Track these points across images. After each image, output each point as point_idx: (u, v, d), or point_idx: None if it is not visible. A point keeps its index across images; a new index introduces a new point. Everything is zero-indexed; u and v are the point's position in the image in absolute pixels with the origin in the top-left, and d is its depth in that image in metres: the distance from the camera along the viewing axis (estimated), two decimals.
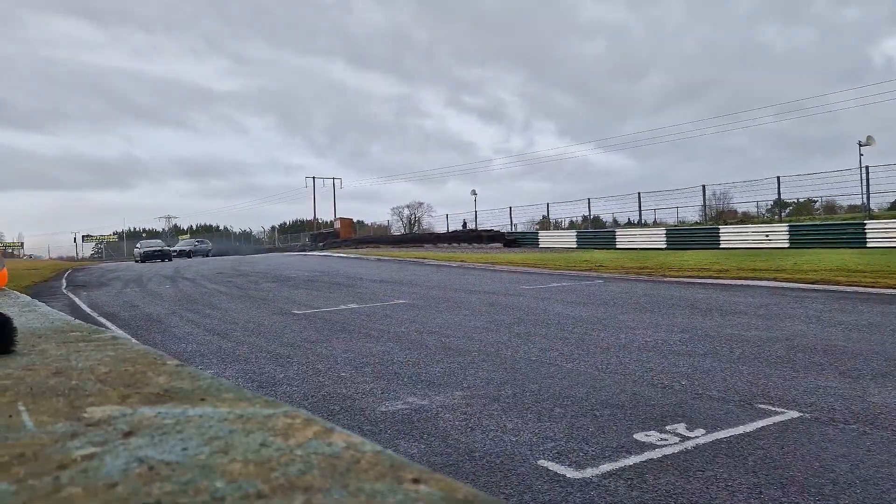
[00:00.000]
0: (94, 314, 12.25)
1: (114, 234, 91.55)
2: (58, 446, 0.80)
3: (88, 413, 0.96)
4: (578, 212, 39.68)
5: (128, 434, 0.84)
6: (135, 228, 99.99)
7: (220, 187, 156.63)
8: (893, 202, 30.51)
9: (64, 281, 23.27)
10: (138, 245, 47.34)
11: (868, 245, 22.86)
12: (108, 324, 10.68)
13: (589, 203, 37.92)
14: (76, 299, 15.62)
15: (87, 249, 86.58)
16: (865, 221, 24.11)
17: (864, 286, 11.83)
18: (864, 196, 26.57)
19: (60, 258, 69.88)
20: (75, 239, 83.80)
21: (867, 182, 26.01)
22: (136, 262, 41.16)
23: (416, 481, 0.64)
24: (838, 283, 12.32)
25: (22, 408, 1.02)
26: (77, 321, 2.29)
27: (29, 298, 3.83)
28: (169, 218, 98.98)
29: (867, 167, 26.05)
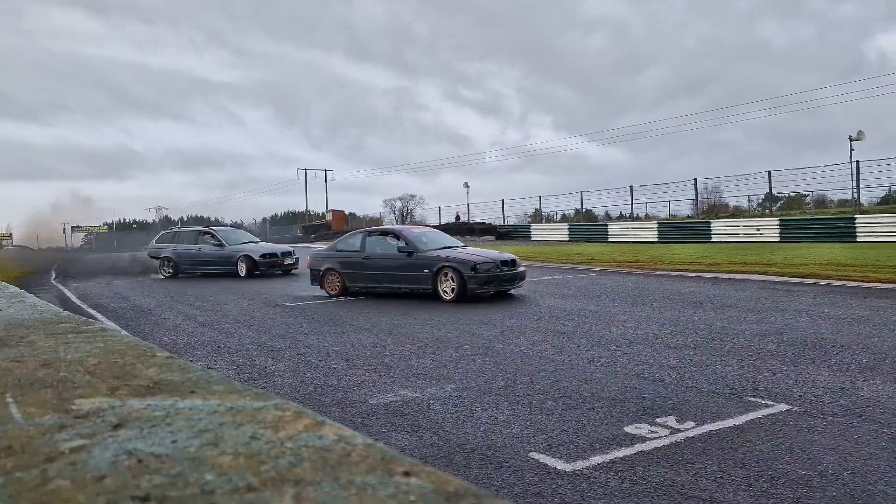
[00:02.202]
0: (84, 305, 12.19)
1: (104, 224, 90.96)
2: (46, 439, 0.80)
3: (77, 405, 0.95)
4: (571, 205, 39.71)
5: (117, 426, 0.83)
6: (125, 219, 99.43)
7: (217, 179, 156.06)
8: (883, 197, 30.70)
9: (53, 272, 23.13)
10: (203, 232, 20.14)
11: (858, 239, 22.99)
12: (98, 315, 10.63)
13: (581, 196, 38.00)
14: (66, 290, 15.53)
15: (77, 241, 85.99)
16: (855, 216, 24.26)
17: (854, 280, 11.91)
18: (855, 191, 26.73)
19: (50, 248, 69.39)
20: (65, 230, 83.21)
21: (857, 177, 26.16)
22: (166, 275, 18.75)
23: (407, 474, 0.64)
24: (828, 278, 12.39)
25: (10, 400, 1.01)
26: (66, 312, 2.28)
27: (17, 289, 3.80)
28: (160, 209, 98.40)
29: (857, 162, 26.20)
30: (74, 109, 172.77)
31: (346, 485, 0.62)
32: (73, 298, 13.61)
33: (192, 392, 1.00)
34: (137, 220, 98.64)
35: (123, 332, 1.72)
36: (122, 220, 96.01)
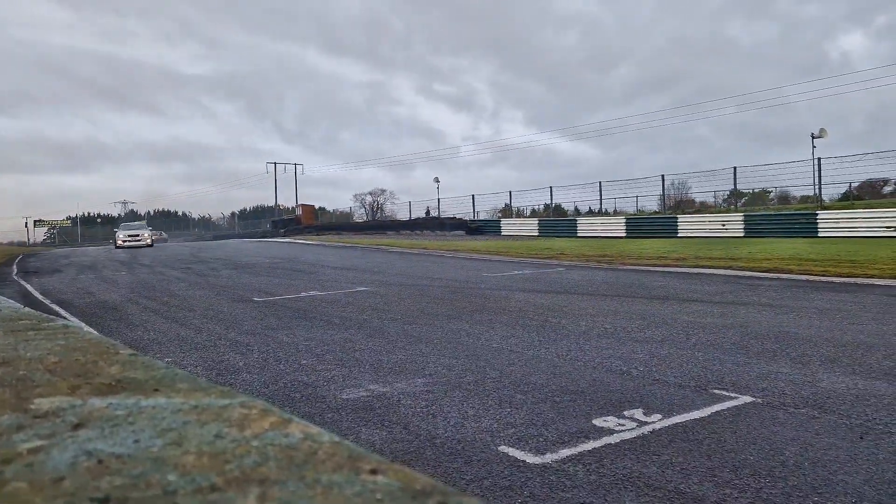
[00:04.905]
0: (47, 301, 11.91)
1: (67, 218, 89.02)
2: (2, 440, 0.78)
3: (36, 405, 0.93)
4: (541, 200, 40.04)
5: (77, 426, 0.82)
6: (90, 213, 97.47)
7: (187, 172, 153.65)
8: (844, 193, 31.45)
9: (15, 267, 22.54)
10: None
11: (819, 234, 23.56)
12: (62, 311, 10.40)
13: (551, 191, 38.28)
14: (28, 286, 15.16)
15: (40, 235, 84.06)
16: (817, 212, 24.84)
17: (815, 274, 12.19)
18: (817, 187, 27.36)
19: (11, 243, 67.66)
20: (27, 224, 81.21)
21: (819, 174, 26.78)
22: None
23: (373, 472, 0.63)
24: (791, 272, 12.67)
25: None
26: (26, 309, 2.22)
27: None
28: (125, 203, 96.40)
29: (819, 159, 26.82)
30: (41, 100, 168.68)
31: (312, 484, 0.61)
32: (36, 294, 13.29)
33: (156, 390, 0.98)
34: (102, 213, 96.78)
35: (87, 328, 1.69)
36: (86, 214, 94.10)
